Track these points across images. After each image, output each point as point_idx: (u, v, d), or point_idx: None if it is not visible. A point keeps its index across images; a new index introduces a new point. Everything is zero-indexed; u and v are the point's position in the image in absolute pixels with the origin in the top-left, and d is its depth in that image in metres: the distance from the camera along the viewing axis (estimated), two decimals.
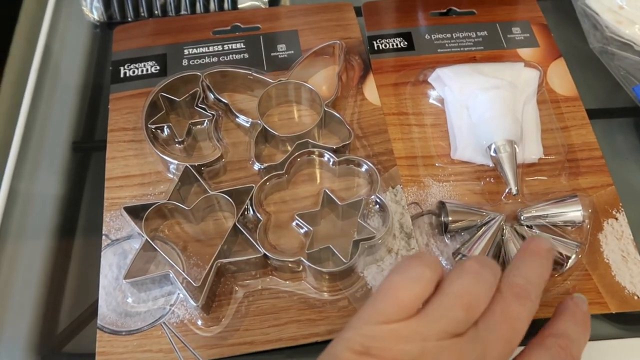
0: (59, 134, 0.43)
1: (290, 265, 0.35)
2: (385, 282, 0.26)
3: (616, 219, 0.38)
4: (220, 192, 0.36)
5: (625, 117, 0.45)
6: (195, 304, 0.32)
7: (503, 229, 0.36)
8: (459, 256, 0.36)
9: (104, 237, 0.37)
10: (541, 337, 0.27)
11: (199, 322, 0.34)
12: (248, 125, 0.40)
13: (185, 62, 0.45)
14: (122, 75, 0.44)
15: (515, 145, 0.39)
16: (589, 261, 0.37)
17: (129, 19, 0.49)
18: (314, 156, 0.38)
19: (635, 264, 0.36)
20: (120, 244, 0.37)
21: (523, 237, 0.36)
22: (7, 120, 0.44)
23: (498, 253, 0.36)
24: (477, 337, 0.25)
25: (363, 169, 0.38)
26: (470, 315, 0.25)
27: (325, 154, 0.38)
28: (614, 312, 0.35)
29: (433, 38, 0.47)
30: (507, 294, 0.26)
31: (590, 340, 0.34)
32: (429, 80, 0.44)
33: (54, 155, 0.42)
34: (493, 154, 0.39)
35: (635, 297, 0.35)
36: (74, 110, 0.45)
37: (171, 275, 0.33)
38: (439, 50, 0.46)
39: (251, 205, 0.36)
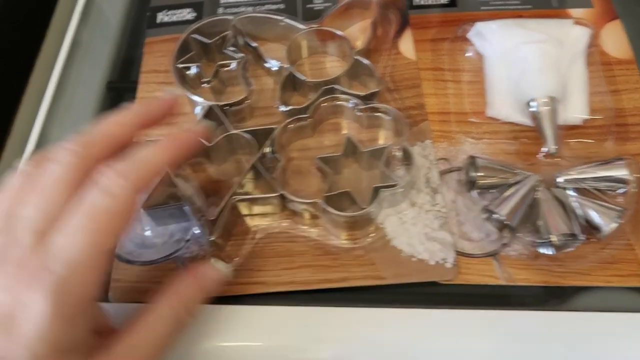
0: (96, 75, 0.44)
1: (308, 209, 0.34)
2: None
3: None
4: (241, 131, 0.35)
5: None
6: (209, 238, 0.32)
7: (536, 189, 0.34)
8: (487, 213, 0.34)
9: None
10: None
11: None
12: (277, 69, 0.39)
13: (220, 10, 0.45)
14: (158, 21, 0.45)
15: (557, 103, 0.36)
16: (634, 230, 0.34)
17: None
18: (340, 102, 0.37)
19: None
20: None
21: (559, 200, 0.34)
22: (48, 60, 0.45)
23: (529, 214, 0.34)
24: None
25: (389, 118, 0.36)
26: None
27: (351, 101, 0.36)
28: None
29: None
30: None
31: (623, 311, 0.32)
32: (468, 36, 0.41)
33: (89, 93, 0.43)
34: (532, 110, 0.36)
35: None
36: (112, 53, 0.46)
37: (187, 207, 0.33)
38: (482, 7, 0.44)
39: (272, 146, 0.35)
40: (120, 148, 0.27)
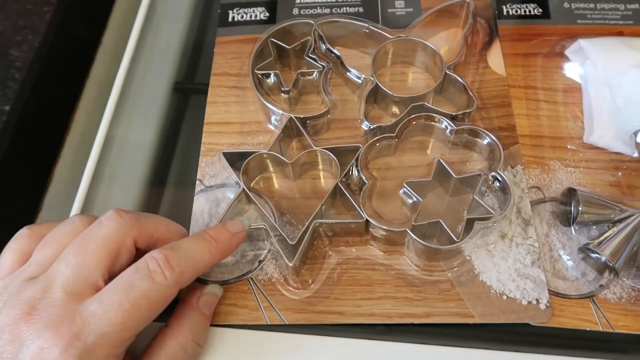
0: (161, 74, 0.42)
1: (391, 236, 0.32)
2: None
3: None
4: (324, 148, 0.33)
5: None
6: (289, 264, 0.30)
7: None
8: (586, 252, 0.31)
9: (197, 182, 0.36)
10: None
11: (287, 284, 0.32)
12: (360, 81, 0.37)
13: (295, 11, 0.42)
14: (229, 19, 0.43)
15: None
16: None
17: None
18: (431, 122, 0.34)
19: None
20: (213, 191, 0.35)
21: None
22: (112, 57, 0.43)
23: (634, 257, 0.31)
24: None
25: (484, 142, 0.34)
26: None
27: (443, 121, 0.34)
28: None
29: (573, 7, 0.41)
30: None
31: None
32: (567, 52, 0.38)
33: (155, 94, 0.41)
34: (639, 141, 0.33)
35: None
36: (178, 51, 0.44)
37: (265, 230, 0.31)
38: (578, 21, 0.41)
39: (356, 166, 0.33)
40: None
